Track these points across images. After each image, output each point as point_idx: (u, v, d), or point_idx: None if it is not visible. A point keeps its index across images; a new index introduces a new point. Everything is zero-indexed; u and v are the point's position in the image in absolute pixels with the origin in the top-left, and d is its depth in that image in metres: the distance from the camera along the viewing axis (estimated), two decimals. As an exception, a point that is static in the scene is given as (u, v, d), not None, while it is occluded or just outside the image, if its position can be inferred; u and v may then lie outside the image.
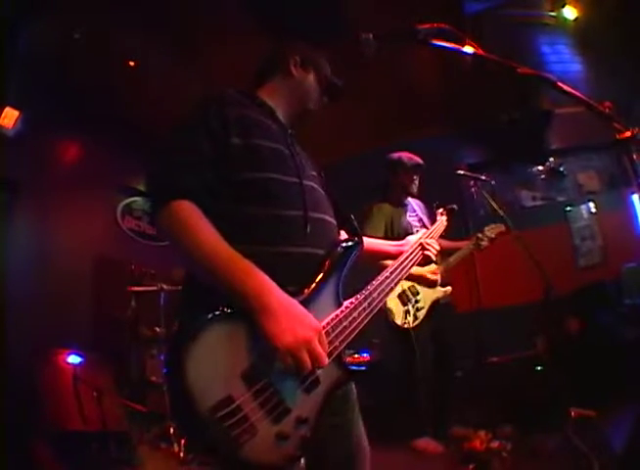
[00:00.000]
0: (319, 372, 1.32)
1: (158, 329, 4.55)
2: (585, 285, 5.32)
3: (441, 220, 2.29)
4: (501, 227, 4.06)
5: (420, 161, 4.25)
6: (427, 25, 1.53)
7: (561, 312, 4.84)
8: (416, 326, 3.90)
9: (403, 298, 3.95)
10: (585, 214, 6.29)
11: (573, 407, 3.44)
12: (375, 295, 1.57)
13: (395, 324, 3.92)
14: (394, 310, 3.93)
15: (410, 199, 4.35)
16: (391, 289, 1.67)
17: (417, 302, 3.95)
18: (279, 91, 1.77)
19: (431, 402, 4.00)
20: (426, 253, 1.97)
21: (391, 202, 4.25)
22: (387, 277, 1.67)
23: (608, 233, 6.13)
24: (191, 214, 1.31)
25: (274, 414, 1.22)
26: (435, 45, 1.54)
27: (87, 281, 5.61)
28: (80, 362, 4.01)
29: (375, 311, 1.54)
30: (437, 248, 2.04)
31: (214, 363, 1.17)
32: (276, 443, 1.21)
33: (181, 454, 3.79)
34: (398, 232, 4.00)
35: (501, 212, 4.01)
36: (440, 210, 2.40)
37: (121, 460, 3.73)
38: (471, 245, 4.08)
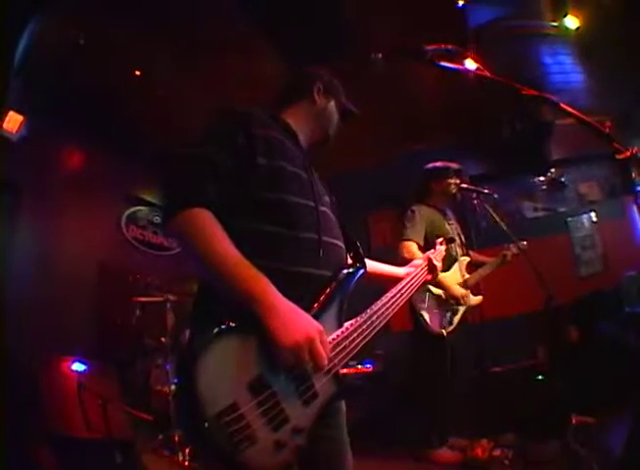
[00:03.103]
0: (317, 386, 1.39)
1: (163, 339, 4.54)
2: (586, 294, 5.35)
3: (440, 249, 2.38)
4: (524, 245, 4.16)
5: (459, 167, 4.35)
6: (434, 46, 1.58)
7: (562, 321, 4.86)
8: (450, 332, 3.89)
9: (440, 302, 3.94)
10: (586, 224, 6.34)
11: (574, 415, 3.46)
12: (374, 318, 1.64)
13: (431, 329, 3.88)
14: (429, 316, 3.90)
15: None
16: (392, 311, 1.75)
17: (452, 307, 3.95)
18: (302, 116, 1.83)
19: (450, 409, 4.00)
20: (428, 276, 2.17)
21: (430, 206, 4.26)
22: (387, 301, 1.76)
23: (608, 242, 6.18)
24: (207, 222, 1.36)
25: (274, 423, 1.27)
26: (442, 66, 1.58)
27: (91, 289, 5.60)
28: (85, 370, 4.03)
29: (374, 333, 1.62)
30: (441, 267, 2.24)
31: (223, 373, 1.23)
32: (273, 450, 1.27)
33: (185, 463, 3.82)
34: (439, 236, 3.98)
35: (503, 225, 4.06)
36: (440, 239, 2.49)
37: (126, 468, 3.74)
38: (499, 260, 4.21)
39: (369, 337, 1.59)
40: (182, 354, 1.39)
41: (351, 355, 1.51)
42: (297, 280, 1.48)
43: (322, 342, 1.32)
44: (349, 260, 1.77)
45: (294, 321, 1.30)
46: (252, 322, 1.28)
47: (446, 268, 3.97)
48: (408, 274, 2.05)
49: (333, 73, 1.95)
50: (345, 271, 1.62)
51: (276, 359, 1.28)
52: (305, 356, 1.28)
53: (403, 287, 1.90)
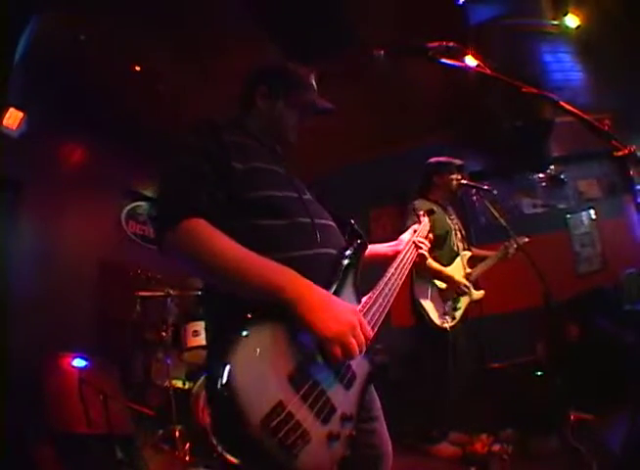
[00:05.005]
0: (354, 367, 1.36)
1: (164, 333, 4.53)
2: (585, 291, 5.35)
3: (425, 221, 2.36)
4: (525, 239, 4.18)
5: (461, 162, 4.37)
6: (436, 43, 1.59)
7: (561, 318, 4.87)
8: (453, 326, 3.91)
9: (444, 296, 3.97)
10: (585, 221, 6.34)
11: (573, 411, 3.48)
12: (387, 290, 1.63)
13: (434, 323, 3.88)
14: (432, 310, 3.92)
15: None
16: (399, 285, 1.74)
17: (455, 302, 3.98)
18: (257, 121, 1.79)
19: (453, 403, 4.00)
20: (420, 251, 2.09)
21: (431, 200, 4.25)
22: (393, 273, 1.75)
23: (608, 240, 6.18)
24: (205, 229, 1.33)
25: (323, 415, 1.21)
26: (444, 63, 1.59)
27: (91, 284, 5.61)
28: (86, 366, 4.03)
29: (389, 305, 1.60)
30: (428, 245, 2.19)
31: (259, 370, 1.14)
32: (328, 445, 1.20)
33: (186, 457, 3.82)
34: (440, 231, 4.02)
35: (502, 221, 4.08)
36: (421, 212, 2.46)
37: (126, 463, 3.74)
38: (500, 253, 4.22)
39: (386, 310, 1.56)
40: (210, 358, 1.29)
41: (375, 330, 1.47)
42: (304, 263, 1.44)
43: (361, 324, 1.28)
44: (347, 239, 1.75)
45: (331, 310, 1.25)
46: (276, 310, 1.23)
47: (449, 263, 4.03)
48: (399, 252, 2.00)
49: (288, 70, 1.86)
50: (350, 247, 1.62)
51: (321, 352, 1.24)
52: (352, 343, 1.22)
53: (402, 260, 1.89)
